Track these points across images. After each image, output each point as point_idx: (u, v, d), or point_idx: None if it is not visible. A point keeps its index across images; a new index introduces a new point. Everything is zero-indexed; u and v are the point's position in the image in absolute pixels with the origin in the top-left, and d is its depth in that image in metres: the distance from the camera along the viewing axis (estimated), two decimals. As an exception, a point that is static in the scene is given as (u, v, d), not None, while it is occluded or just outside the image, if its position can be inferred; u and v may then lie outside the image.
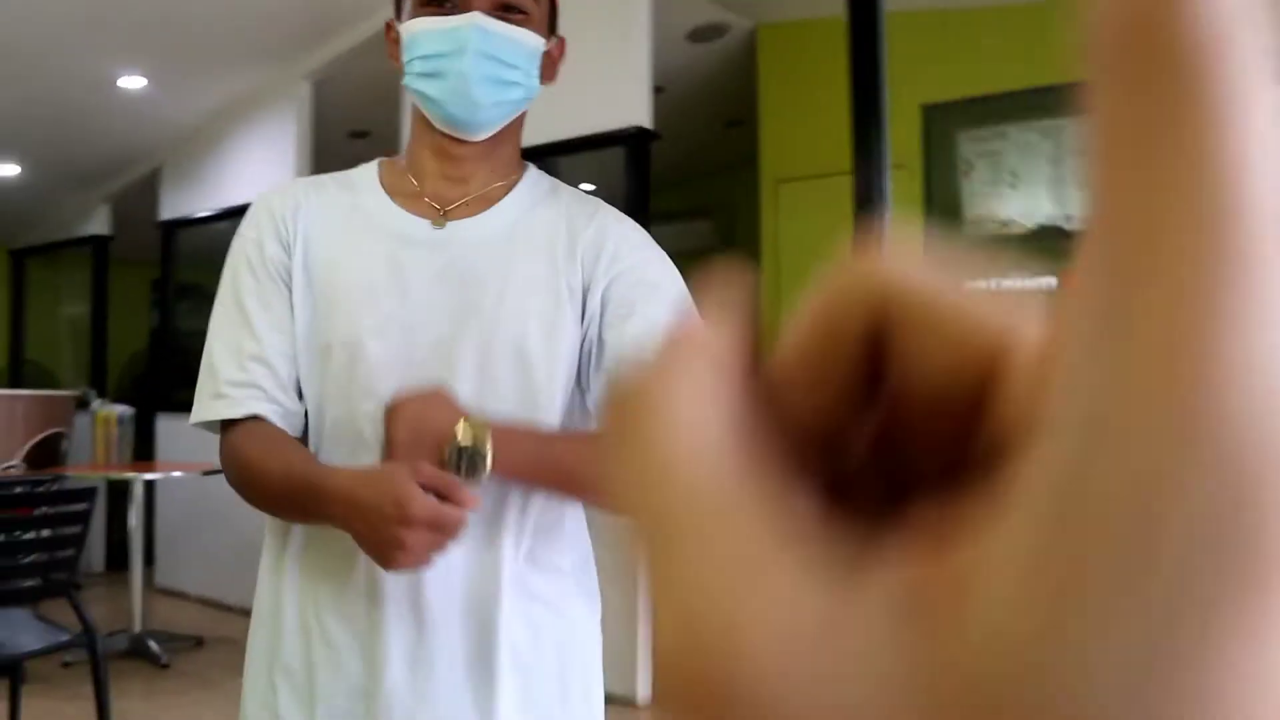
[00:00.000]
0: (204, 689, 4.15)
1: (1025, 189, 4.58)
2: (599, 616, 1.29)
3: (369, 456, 1.09)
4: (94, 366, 7.62)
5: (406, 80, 1.19)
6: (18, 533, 3.01)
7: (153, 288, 8.71)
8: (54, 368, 8.51)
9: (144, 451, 6.43)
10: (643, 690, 3.99)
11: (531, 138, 4.48)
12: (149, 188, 6.81)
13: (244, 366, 1.13)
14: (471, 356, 1.11)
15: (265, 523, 1.19)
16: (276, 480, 1.10)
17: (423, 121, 1.21)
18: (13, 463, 5.37)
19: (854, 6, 3.05)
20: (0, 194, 7.57)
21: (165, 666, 4.51)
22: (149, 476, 4.82)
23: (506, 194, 1.22)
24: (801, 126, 5.42)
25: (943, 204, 4.76)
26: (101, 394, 6.67)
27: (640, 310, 1.15)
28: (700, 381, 0.16)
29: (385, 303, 1.13)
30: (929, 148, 4.77)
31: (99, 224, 7.55)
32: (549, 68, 1.26)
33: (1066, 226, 4.43)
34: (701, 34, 5.43)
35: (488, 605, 1.12)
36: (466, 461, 1.01)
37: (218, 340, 1.17)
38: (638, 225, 1.25)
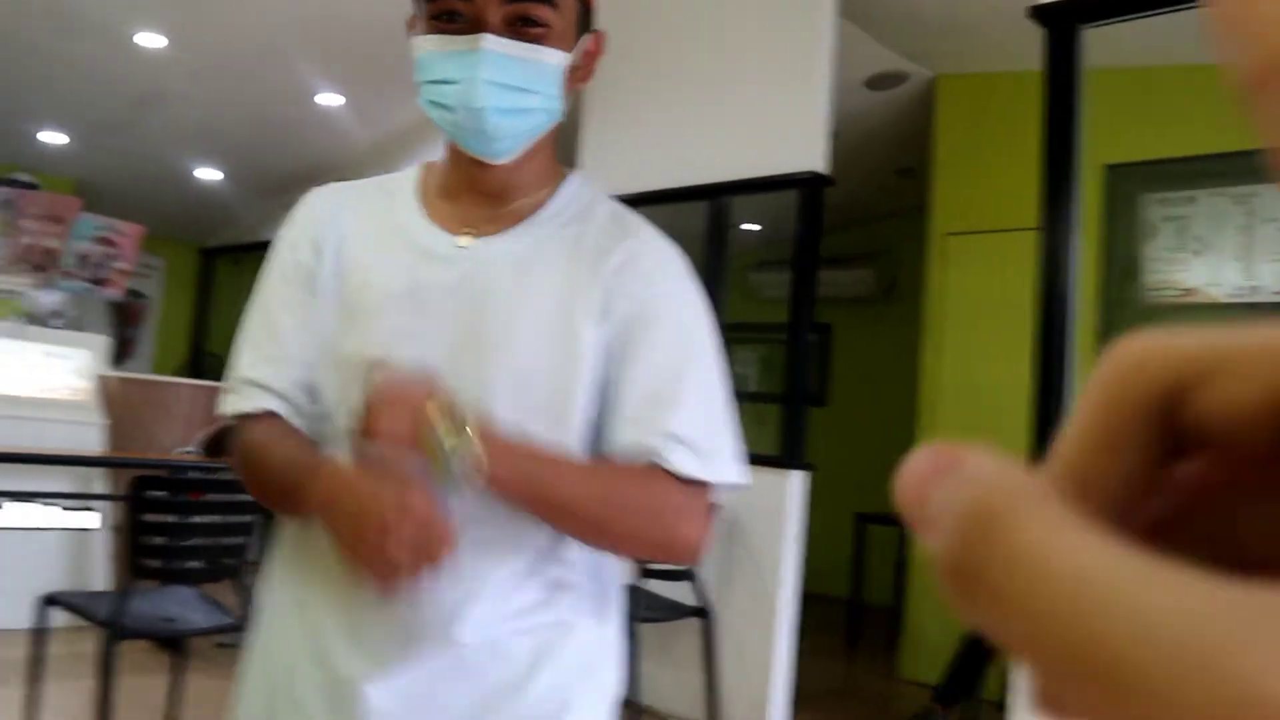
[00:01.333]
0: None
1: (1212, 257, 4.37)
2: (613, 627, 1.17)
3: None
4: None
5: (420, 100, 1.11)
6: (189, 516, 3.18)
7: (326, 294, 9.12)
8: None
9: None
10: (771, 738, 3.93)
11: (705, 175, 4.55)
12: (334, 198, 7.16)
13: (259, 365, 1.14)
14: (476, 377, 1.05)
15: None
16: (276, 468, 1.09)
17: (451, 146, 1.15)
18: (190, 449, 5.69)
19: (1051, 61, 2.98)
20: (201, 197, 8.08)
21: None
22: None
23: (537, 210, 1.16)
24: (976, 180, 5.31)
25: (1122, 268, 4.58)
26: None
27: (651, 350, 1.09)
28: (1045, 508, 0.17)
29: (402, 317, 1.09)
30: (1111, 209, 4.60)
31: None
32: (583, 69, 1.16)
33: (1257, 299, 4.20)
34: (880, 82, 5.40)
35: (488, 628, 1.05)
36: (449, 464, 0.93)
37: (244, 337, 1.18)
38: (676, 253, 1.19)
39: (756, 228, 6.73)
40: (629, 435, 1.07)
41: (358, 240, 1.14)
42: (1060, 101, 2.99)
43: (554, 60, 1.08)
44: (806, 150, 4.16)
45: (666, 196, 4.60)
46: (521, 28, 1.05)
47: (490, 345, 1.07)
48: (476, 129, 1.07)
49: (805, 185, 4.15)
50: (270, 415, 1.12)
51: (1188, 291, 4.47)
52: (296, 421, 1.13)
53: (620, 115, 4.98)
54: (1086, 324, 3.96)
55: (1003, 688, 4.43)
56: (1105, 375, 0.19)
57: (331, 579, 1.06)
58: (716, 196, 4.48)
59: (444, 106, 1.07)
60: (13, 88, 6.34)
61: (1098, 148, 4.09)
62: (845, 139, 5.49)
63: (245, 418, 1.14)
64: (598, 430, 1.10)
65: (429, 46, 1.07)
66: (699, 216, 4.55)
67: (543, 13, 1.05)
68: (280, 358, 1.13)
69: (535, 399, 1.06)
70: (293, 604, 1.13)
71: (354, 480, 0.96)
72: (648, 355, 1.09)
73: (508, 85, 1.05)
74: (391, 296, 1.10)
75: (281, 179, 7.59)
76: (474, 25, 1.04)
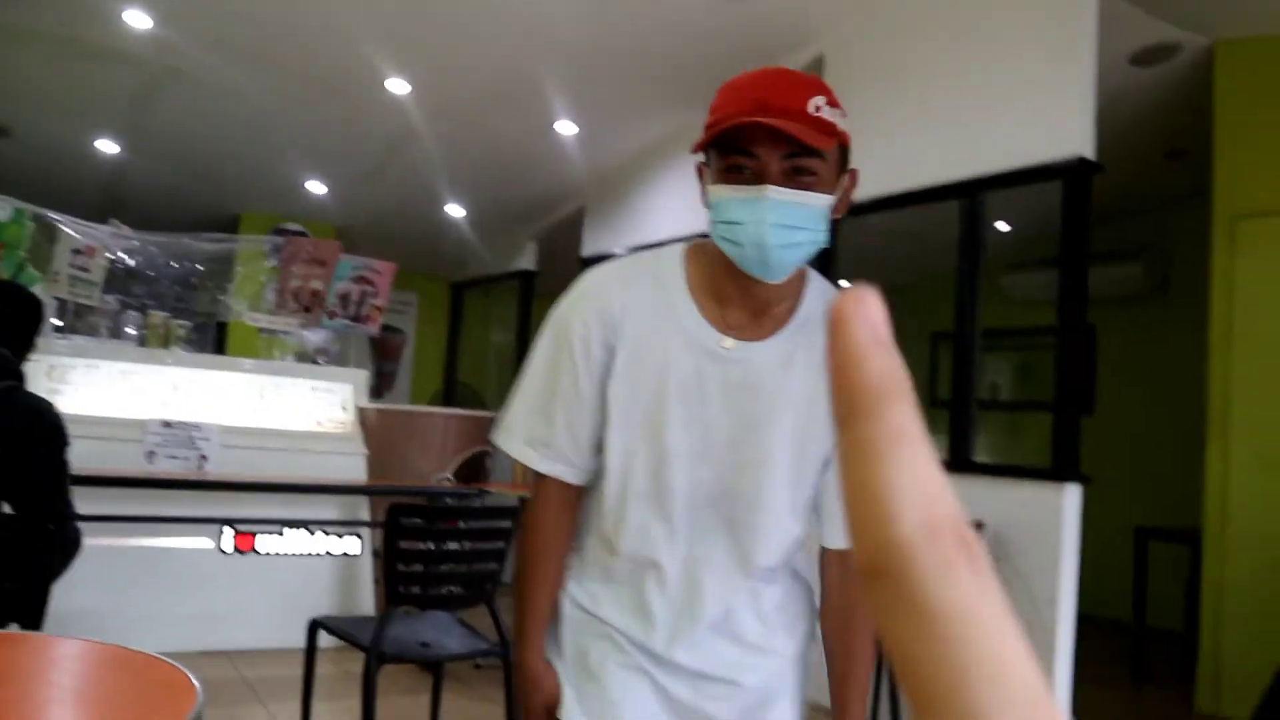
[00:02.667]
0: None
1: None
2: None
3: (661, 517, 1.38)
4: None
5: (712, 231, 1.32)
6: (445, 542, 3.22)
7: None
8: (482, 390, 9.34)
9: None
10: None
11: (960, 171, 4.25)
12: (573, 226, 7.28)
13: (554, 429, 1.41)
14: (751, 456, 1.35)
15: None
16: (523, 579, 1.44)
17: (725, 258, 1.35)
18: (444, 475, 5.88)
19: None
20: (448, 233, 8.45)
21: (563, 682, 4.68)
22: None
23: (789, 317, 1.38)
24: (1267, 155, 4.73)
25: None
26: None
27: None
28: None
29: (689, 405, 1.35)
30: None
31: (527, 260, 8.19)
32: (842, 203, 1.34)
33: None
34: (1147, 56, 4.91)
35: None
36: None
37: (536, 394, 1.43)
38: None
39: (1007, 227, 6.31)
40: (842, 541, 1.42)
41: (643, 333, 1.37)
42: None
43: (822, 204, 1.29)
44: (1071, 135, 3.81)
45: (917, 197, 4.34)
46: (796, 177, 1.26)
47: (758, 431, 1.35)
48: (760, 260, 1.28)
49: (1070, 173, 3.80)
50: (558, 484, 1.43)
51: None
52: (579, 480, 1.43)
53: (860, 114, 4.75)
54: None
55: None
56: None
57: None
58: (971, 192, 4.17)
59: (734, 242, 1.29)
60: (278, 145, 6.83)
61: None
62: (1106, 122, 5.04)
63: (541, 477, 1.44)
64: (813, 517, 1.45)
65: (723, 194, 1.29)
66: (951, 217, 4.26)
67: (813, 164, 1.27)
68: (571, 427, 1.40)
69: (785, 478, 1.37)
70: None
71: (532, 681, 1.43)
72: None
73: (787, 225, 1.26)
74: (680, 385, 1.35)
75: (521, 210, 7.81)
76: (758, 177, 1.26)
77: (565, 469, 1.41)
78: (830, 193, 1.30)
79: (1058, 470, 3.72)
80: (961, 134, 4.25)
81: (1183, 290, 6.43)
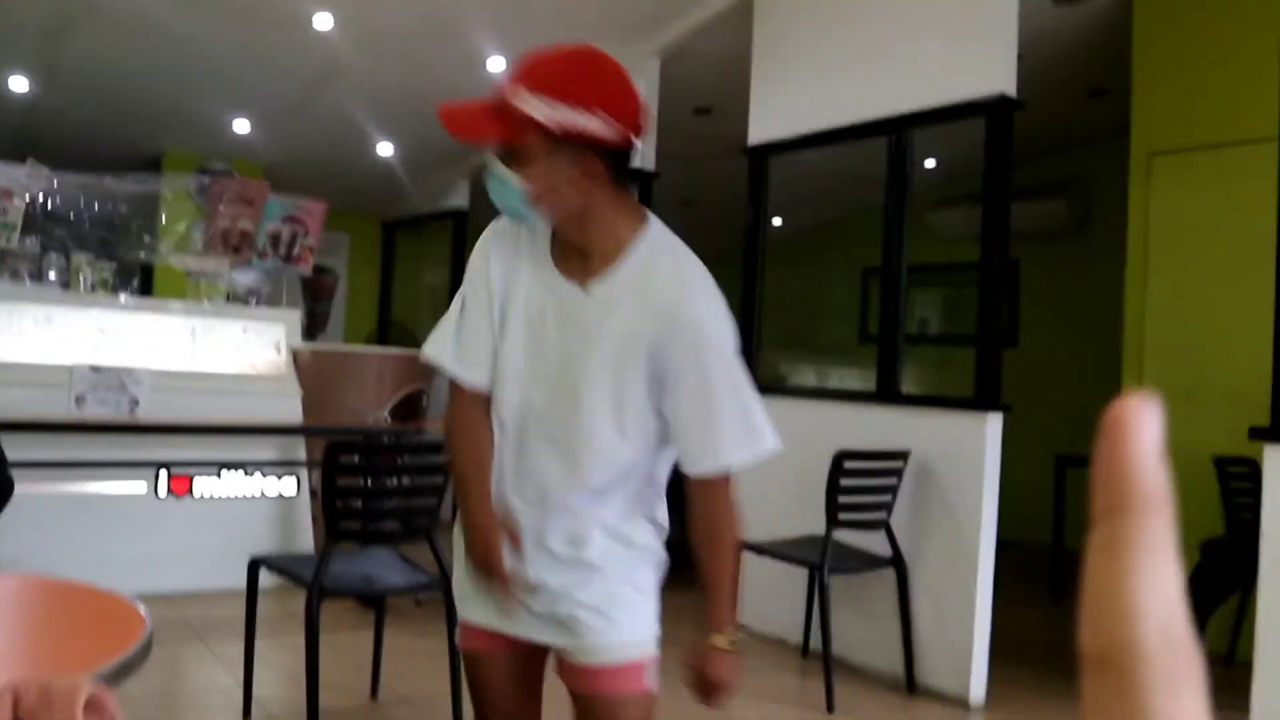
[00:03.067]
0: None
1: None
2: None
3: (501, 430, 1.66)
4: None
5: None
6: (384, 479, 3.26)
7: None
8: (415, 329, 9.30)
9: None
10: (975, 690, 3.76)
11: (886, 108, 4.32)
12: (504, 164, 7.23)
13: (474, 349, 1.65)
14: (575, 380, 1.58)
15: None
16: (458, 465, 1.68)
17: None
18: (380, 414, 5.88)
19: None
20: (378, 172, 8.33)
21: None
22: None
23: (610, 264, 1.60)
24: (1184, 94, 4.86)
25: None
26: (455, 356, 7.16)
27: (689, 387, 1.57)
28: None
29: (533, 334, 1.61)
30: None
31: (459, 198, 8.13)
32: (579, 164, 1.54)
33: None
34: (1069, -6, 5.00)
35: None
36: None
37: (459, 325, 1.67)
38: (716, 304, 1.62)
39: (934, 164, 6.41)
40: (698, 468, 1.62)
41: (517, 273, 1.65)
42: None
43: (515, 181, 1.55)
44: (994, 73, 3.89)
45: (844, 134, 4.40)
46: (510, 158, 1.56)
47: (578, 360, 1.58)
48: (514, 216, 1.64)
49: (993, 110, 3.88)
50: (474, 393, 1.66)
51: None
52: (484, 385, 1.66)
53: (790, 49, 4.80)
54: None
55: (1228, 641, 4.11)
56: None
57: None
58: (897, 129, 4.24)
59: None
60: (202, 82, 6.65)
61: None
62: (1030, 61, 5.12)
63: (458, 388, 1.67)
64: (666, 444, 1.65)
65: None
66: (877, 154, 4.33)
67: (515, 151, 1.56)
68: (484, 349, 1.65)
69: (606, 403, 1.58)
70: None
71: (481, 525, 1.65)
72: (687, 393, 1.57)
73: (499, 194, 1.60)
74: (528, 317, 1.62)
75: (451, 149, 7.72)
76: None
77: (471, 372, 1.65)
78: (536, 165, 1.53)
79: (980, 400, 3.85)
80: (888, 72, 4.31)
81: (1103, 225, 6.61)
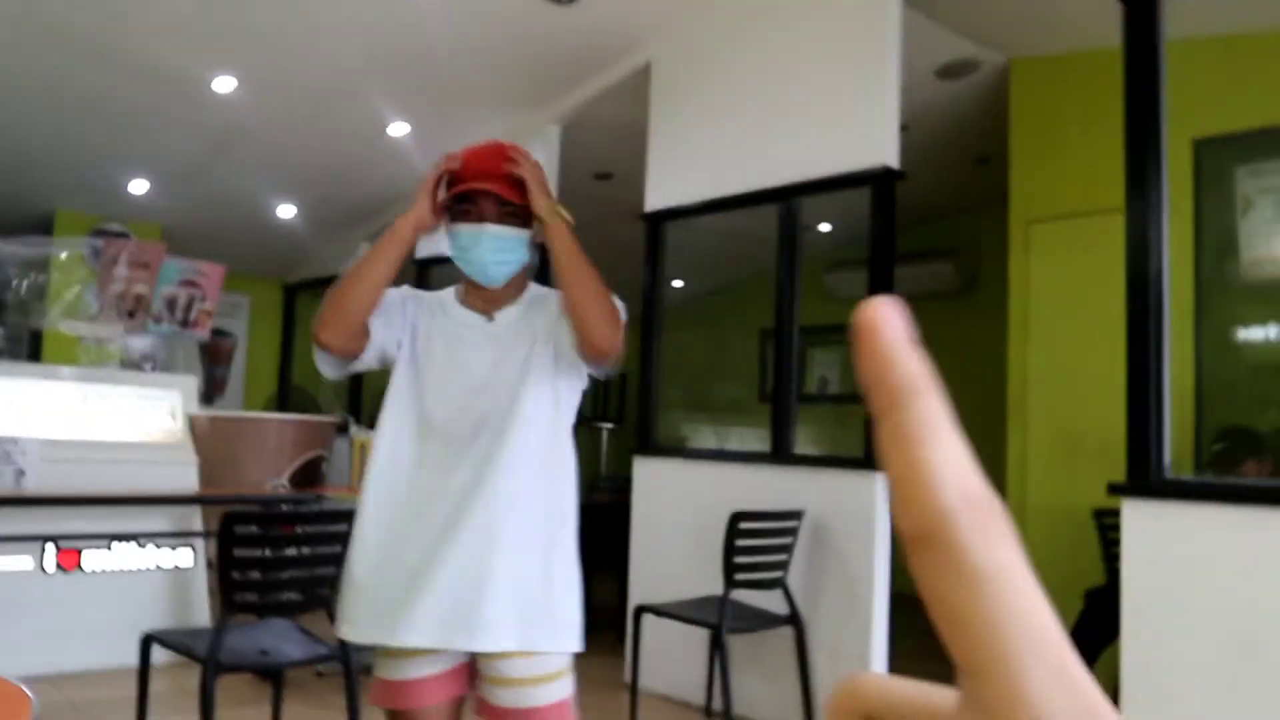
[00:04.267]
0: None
1: (1313, 228, 4.18)
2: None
3: (431, 441, 1.93)
4: (351, 393, 8.15)
5: (452, 254, 2.00)
6: (283, 549, 3.22)
7: (406, 321, 9.27)
8: (316, 394, 9.17)
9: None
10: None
11: (776, 177, 4.48)
12: (407, 228, 7.22)
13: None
14: (503, 384, 1.95)
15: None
16: (362, 260, 1.95)
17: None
18: (279, 481, 5.79)
19: (1131, 36, 2.87)
20: (279, 234, 8.26)
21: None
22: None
23: (515, 300, 2.03)
24: (1056, 164, 5.15)
25: (1216, 245, 4.40)
26: (358, 420, 7.11)
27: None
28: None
29: (452, 363, 1.96)
30: (1202, 185, 4.42)
31: (361, 261, 8.08)
32: (549, 230, 1.96)
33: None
34: (951, 71, 5.27)
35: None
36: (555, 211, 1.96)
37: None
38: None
39: (829, 228, 6.64)
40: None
41: (430, 323, 2.02)
42: (1142, 75, 2.88)
43: (525, 236, 1.99)
44: (877, 145, 4.08)
45: (736, 202, 4.55)
46: (506, 217, 1.96)
47: (501, 373, 1.95)
48: (483, 273, 1.99)
49: (877, 181, 4.06)
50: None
51: (1290, 264, 4.28)
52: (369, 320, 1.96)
53: (685, 119, 4.95)
54: (1183, 306, 3.80)
55: (1112, 686, 4.28)
56: (831, 702, 0.31)
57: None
58: (786, 198, 4.41)
59: (465, 261, 1.99)
60: (99, 141, 6.55)
61: (1185, 122, 3.94)
62: (918, 131, 5.37)
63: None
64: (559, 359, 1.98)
65: (456, 229, 1.99)
66: (772, 218, 4.49)
67: (514, 209, 1.97)
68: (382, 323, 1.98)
69: (506, 392, 1.93)
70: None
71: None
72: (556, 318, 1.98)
73: (501, 250, 1.98)
74: (448, 347, 1.98)
75: (354, 211, 7.71)
76: (480, 218, 1.97)
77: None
78: (528, 227, 1.98)
79: (870, 459, 3.98)
80: (778, 142, 4.49)
81: (990, 288, 6.89)
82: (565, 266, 1.91)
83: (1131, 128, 2.89)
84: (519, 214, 1.96)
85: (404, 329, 1.98)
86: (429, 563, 1.82)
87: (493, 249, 1.95)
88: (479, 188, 1.94)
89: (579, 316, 1.89)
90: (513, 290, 2.03)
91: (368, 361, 1.96)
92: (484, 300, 2.01)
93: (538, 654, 1.84)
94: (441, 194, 1.99)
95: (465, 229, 1.96)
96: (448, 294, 2.08)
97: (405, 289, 2.05)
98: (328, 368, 1.97)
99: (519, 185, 1.95)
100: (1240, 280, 4.36)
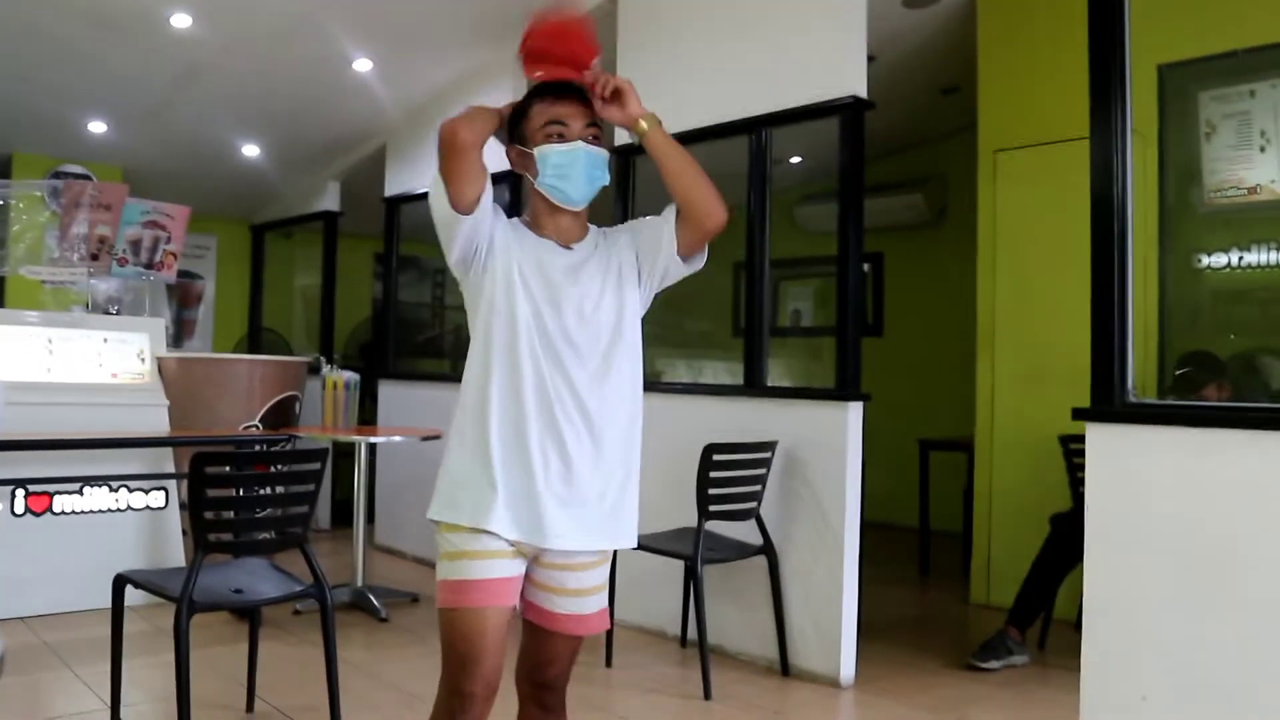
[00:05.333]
0: (420, 644, 4.36)
1: (1276, 152, 4.18)
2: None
3: (550, 351, 1.92)
4: (323, 334, 8.11)
5: (543, 177, 1.96)
6: (256, 488, 3.22)
7: (376, 260, 9.20)
8: (288, 335, 9.11)
9: (367, 416, 6.80)
10: (845, 670, 3.92)
11: (744, 109, 4.44)
12: (375, 166, 7.15)
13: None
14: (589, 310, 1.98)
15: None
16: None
17: (545, 202, 2.01)
18: (252, 423, 5.77)
19: (1094, -42, 2.84)
20: (244, 174, 8.13)
21: (384, 620, 4.76)
22: (373, 440, 5.07)
23: (586, 232, 2.06)
24: (1022, 93, 5.14)
25: (1180, 171, 4.41)
26: (329, 360, 7.07)
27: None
28: None
29: (539, 278, 1.95)
30: (1166, 111, 4.41)
31: (329, 200, 8.00)
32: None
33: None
34: (918, -1, 5.22)
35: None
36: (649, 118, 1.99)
37: None
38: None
39: (800, 160, 6.60)
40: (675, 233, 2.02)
41: (512, 242, 1.98)
42: (1105, 1, 2.86)
43: (606, 156, 2.01)
44: (845, 75, 4.04)
45: (705, 134, 4.51)
46: (593, 137, 1.98)
47: (597, 296, 1.98)
48: (578, 196, 1.98)
49: (845, 111, 4.03)
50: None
51: (1253, 190, 4.30)
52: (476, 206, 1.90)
53: (653, 54, 4.88)
54: (1148, 233, 3.82)
55: (1077, 608, 4.37)
56: None
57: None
58: (755, 129, 4.37)
59: (562, 183, 1.96)
60: (57, 83, 6.39)
61: (1149, 47, 3.92)
62: (886, 61, 5.32)
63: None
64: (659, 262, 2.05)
65: (548, 150, 1.95)
66: (741, 152, 4.46)
67: (598, 131, 2.00)
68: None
69: (610, 320, 1.99)
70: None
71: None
72: (644, 238, 2.07)
73: (596, 168, 1.99)
74: (542, 267, 1.96)
75: (320, 150, 7.59)
76: (576, 137, 1.96)
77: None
78: (601, 145, 1.99)
79: (841, 390, 4.01)
80: (747, 73, 4.44)
81: (959, 218, 6.90)
82: (677, 160, 1.96)
83: (1095, 54, 2.87)
84: (598, 134, 1.98)
85: (493, 229, 1.94)
86: (570, 466, 1.91)
87: (588, 166, 1.94)
88: (569, 79, 1.95)
89: (699, 202, 1.96)
90: (580, 224, 2.04)
91: (474, 225, 1.89)
92: (557, 231, 2.01)
93: (607, 558, 2.08)
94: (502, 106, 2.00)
95: (560, 149, 1.93)
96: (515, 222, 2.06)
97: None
98: (444, 205, 1.87)
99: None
100: (1203, 206, 4.38)
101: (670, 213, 2.02)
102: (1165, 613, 2.65)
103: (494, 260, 1.94)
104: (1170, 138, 4.29)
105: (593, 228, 2.08)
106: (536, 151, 1.94)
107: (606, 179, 2.00)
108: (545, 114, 1.95)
